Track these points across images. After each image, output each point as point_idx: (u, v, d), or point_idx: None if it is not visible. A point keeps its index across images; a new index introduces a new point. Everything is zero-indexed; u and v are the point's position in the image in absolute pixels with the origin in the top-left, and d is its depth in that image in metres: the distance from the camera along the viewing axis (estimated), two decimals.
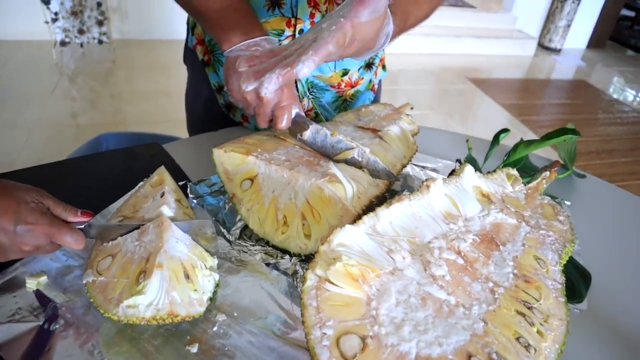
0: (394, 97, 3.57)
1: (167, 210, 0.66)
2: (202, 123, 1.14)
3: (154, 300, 0.56)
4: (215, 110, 1.10)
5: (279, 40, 0.91)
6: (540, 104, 4.15)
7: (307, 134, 0.77)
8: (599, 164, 3.23)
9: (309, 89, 1.02)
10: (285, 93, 0.74)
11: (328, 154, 0.77)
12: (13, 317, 0.57)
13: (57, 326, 0.57)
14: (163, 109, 3.11)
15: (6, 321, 0.57)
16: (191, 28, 1.06)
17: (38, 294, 0.61)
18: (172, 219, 0.65)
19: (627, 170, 3.20)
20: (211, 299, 0.62)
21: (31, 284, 0.61)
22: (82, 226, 0.63)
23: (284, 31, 0.91)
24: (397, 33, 0.81)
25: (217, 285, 0.63)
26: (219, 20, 0.76)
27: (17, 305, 0.59)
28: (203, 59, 1.04)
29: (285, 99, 0.74)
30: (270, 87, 0.64)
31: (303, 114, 0.77)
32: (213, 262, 0.65)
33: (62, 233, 0.59)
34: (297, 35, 0.92)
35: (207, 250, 0.65)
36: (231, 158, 0.74)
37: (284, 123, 0.75)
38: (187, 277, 0.60)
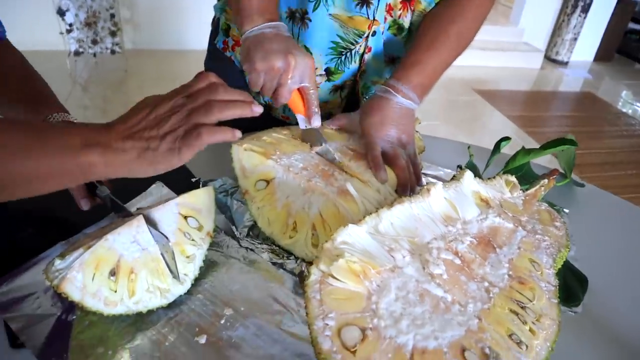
0: None
1: (164, 215, 0.67)
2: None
3: (59, 265, 0.59)
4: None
5: (357, 42, 0.96)
6: (546, 116, 4.17)
7: (317, 149, 0.82)
8: (604, 175, 3.23)
9: (362, 93, 1.06)
10: (310, 63, 0.78)
11: None
12: (33, 307, 0.60)
13: (73, 317, 0.60)
14: None
15: (27, 310, 0.60)
16: (223, 30, 1.08)
17: None
18: (153, 224, 0.65)
19: (633, 182, 3.20)
20: (140, 313, 0.61)
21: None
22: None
23: (364, 32, 0.95)
24: (425, 89, 0.90)
25: (162, 307, 0.62)
26: (250, 2, 0.79)
27: (36, 296, 0.62)
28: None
29: (311, 67, 0.78)
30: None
31: (319, 132, 0.83)
32: (169, 285, 0.63)
33: None
34: (369, 37, 0.95)
35: (169, 269, 0.64)
36: (250, 157, 0.77)
37: (313, 90, 0.79)
38: (113, 274, 0.60)
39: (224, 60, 1.09)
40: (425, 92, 0.90)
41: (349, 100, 1.09)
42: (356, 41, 0.96)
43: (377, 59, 1.00)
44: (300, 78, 0.78)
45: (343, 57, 0.98)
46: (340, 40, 0.95)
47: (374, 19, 0.93)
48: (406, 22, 0.96)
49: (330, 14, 0.92)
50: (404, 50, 1.01)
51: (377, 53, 0.99)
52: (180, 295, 0.65)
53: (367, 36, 0.95)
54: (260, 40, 0.77)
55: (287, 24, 0.97)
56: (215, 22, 1.12)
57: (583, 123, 4.09)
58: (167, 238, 0.65)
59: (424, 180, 0.95)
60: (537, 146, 0.96)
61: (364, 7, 0.91)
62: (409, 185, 0.80)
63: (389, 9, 0.93)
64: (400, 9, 0.94)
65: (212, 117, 0.53)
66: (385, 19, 0.95)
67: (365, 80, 1.04)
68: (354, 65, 1.00)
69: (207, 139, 0.52)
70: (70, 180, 0.53)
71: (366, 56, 0.99)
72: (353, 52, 0.97)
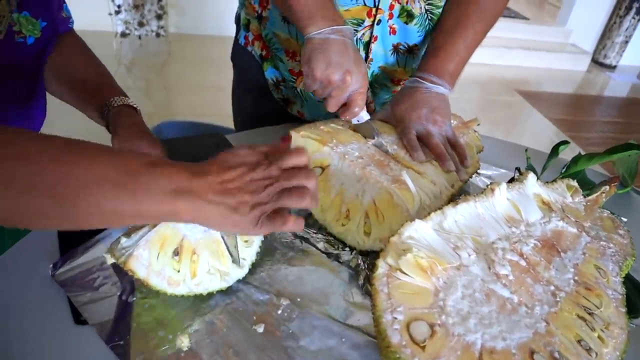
0: None
1: None
2: (251, 119, 1.17)
3: (125, 243, 0.59)
4: (265, 107, 1.14)
5: (357, 30, 0.94)
6: (590, 120, 4.04)
7: (372, 142, 0.83)
8: None
9: (371, 84, 1.05)
10: (365, 81, 0.80)
11: None
12: (94, 286, 0.62)
13: (134, 298, 0.61)
14: (212, 102, 3.20)
15: (89, 288, 0.62)
16: (244, 25, 1.09)
17: (115, 267, 0.64)
18: None
19: None
20: (198, 296, 0.62)
21: (109, 259, 0.66)
22: None
23: (363, 21, 0.93)
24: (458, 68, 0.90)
25: (220, 290, 0.63)
26: (307, 5, 0.79)
27: (97, 275, 0.64)
28: (261, 53, 1.07)
29: (364, 86, 0.80)
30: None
31: (372, 125, 0.83)
32: (229, 268, 0.64)
33: None
34: (375, 25, 0.94)
35: (229, 252, 0.64)
36: (307, 144, 0.78)
37: (357, 108, 0.80)
38: (176, 254, 0.60)
39: (246, 56, 1.10)
40: (454, 77, 0.90)
41: None
42: (355, 30, 0.94)
43: (384, 47, 0.99)
44: (351, 92, 0.80)
45: None
46: None
47: (376, 7, 0.91)
48: (415, 8, 0.93)
49: None
50: (421, 38, 0.99)
51: (385, 41, 0.98)
52: (237, 283, 0.65)
53: (372, 25, 0.94)
54: (323, 48, 0.78)
55: (284, 26, 0.98)
56: (237, 18, 1.13)
57: (629, 130, 3.95)
58: None
59: (478, 180, 0.94)
60: (579, 150, 0.94)
61: None
62: (448, 160, 0.79)
63: None
64: None
65: (301, 205, 0.54)
66: (393, 6, 0.92)
67: (373, 68, 1.02)
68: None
69: (290, 228, 0.54)
70: (149, 221, 0.52)
71: (372, 45, 0.97)
72: (355, 39, 0.96)
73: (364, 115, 0.82)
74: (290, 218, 0.54)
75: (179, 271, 0.60)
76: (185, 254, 0.61)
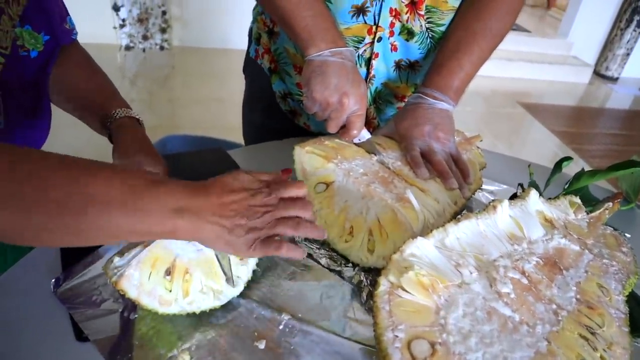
0: None
1: None
2: (260, 131, 1.19)
3: (118, 263, 0.59)
4: (273, 119, 1.15)
5: (358, 47, 0.95)
6: (593, 133, 4.04)
7: (374, 159, 0.83)
8: None
9: (374, 99, 1.06)
10: (363, 103, 0.80)
11: None
12: (96, 302, 0.62)
13: (135, 315, 0.61)
14: (216, 115, 3.22)
15: (90, 305, 0.62)
16: (255, 39, 1.11)
17: None
18: None
19: None
20: (193, 314, 0.61)
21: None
22: None
23: (364, 38, 0.94)
24: (464, 83, 0.90)
25: (215, 308, 0.63)
26: (307, 27, 0.80)
27: (99, 291, 0.63)
28: (270, 67, 1.08)
29: (362, 109, 0.80)
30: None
31: (374, 144, 0.84)
32: (223, 287, 0.63)
33: None
34: (375, 43, 0.95)
35: (223, 271, 0.64)
36: (311, 160, 0.78)
37: (356, 131, 0.80)
38: (168, 273, 0.60)
39: (256, 68, 1.12)
40: (458, 93, 0.90)
41: None
42: (356, 47, 0.95)
43: (386, 63, 0.99)
44: (350, 115, 0.81)
45: None
46: None
47: (376, 24, 0.92)
48: (416, 26, 0.94)
49: None
50: (422, 55, 1.00)
51: (387, 58, 0.98)
52: (238, 299, 0.65)
53: (373, 42, 0.94)
54: (322, 70, 0.79)
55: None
56: (250, 32, 1.15)
57: (632, 142, 3.95)
58: None
59: (480, 195, 0.94)
60: (582, 163, 0.94)
61: (360, 15, 0.90)
62: (451, 177, 0.79)
63: (396, 14, 0.91)
64: (407, 13, 0.92)
65: (296, 234, 0.57)
66: (393, 24, 0.93)
67: (376, 85, 1.03)
68: (360, 70, 0.99)
69: (284, 253, 0.56)
70: (148, 238, 0.54)
71: (374, 62, 0.98)
72: (356, 56, 0.96)
73: (365, 135, 0.83)
74: (283, 245, 0.56)
75: (170, 291, 0.60)
76: (177, 273, 0.61)
